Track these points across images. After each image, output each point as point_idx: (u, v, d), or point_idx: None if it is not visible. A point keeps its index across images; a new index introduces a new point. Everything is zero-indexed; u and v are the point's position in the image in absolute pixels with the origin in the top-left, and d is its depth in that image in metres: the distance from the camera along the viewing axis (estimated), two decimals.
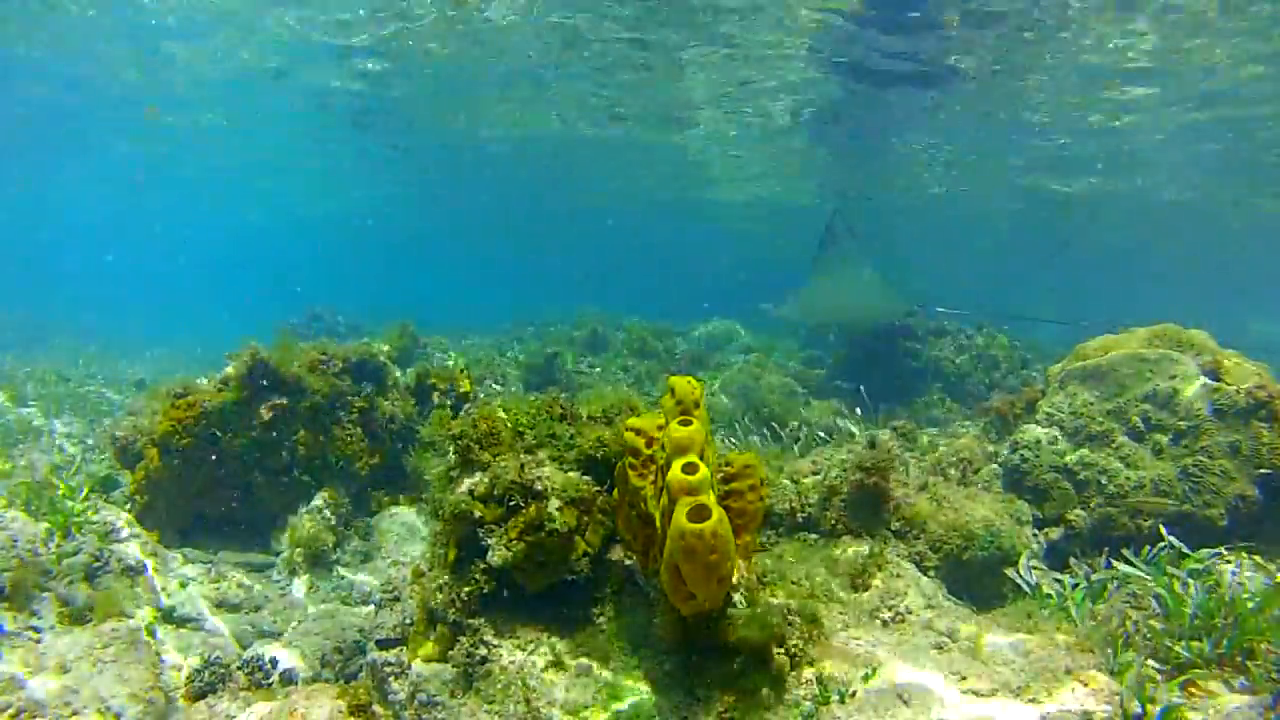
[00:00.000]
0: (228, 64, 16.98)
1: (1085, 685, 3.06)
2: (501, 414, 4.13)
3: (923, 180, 25.07)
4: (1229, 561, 4.66)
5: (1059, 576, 5.02)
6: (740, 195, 30.40)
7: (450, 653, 3.79)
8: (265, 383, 6.82)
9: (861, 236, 12.26)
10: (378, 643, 4.57)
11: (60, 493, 5.99)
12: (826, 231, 12.16)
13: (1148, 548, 4.88)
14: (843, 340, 14.34)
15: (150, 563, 5.74)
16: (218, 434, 6.61)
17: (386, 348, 8.64)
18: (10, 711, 3.60)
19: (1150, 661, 3.51)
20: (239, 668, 4.75)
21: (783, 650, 3.23)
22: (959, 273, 49.20)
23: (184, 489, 6.63)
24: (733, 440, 9.52)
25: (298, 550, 6.51)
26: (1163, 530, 5.10)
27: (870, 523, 4.80)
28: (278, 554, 6.66)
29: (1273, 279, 38.42)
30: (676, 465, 2.96)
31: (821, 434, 8.76)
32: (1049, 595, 4.46)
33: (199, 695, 4.47)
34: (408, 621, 4.49)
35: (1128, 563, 4.64)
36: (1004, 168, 22.48)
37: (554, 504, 3.67)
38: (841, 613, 3.70)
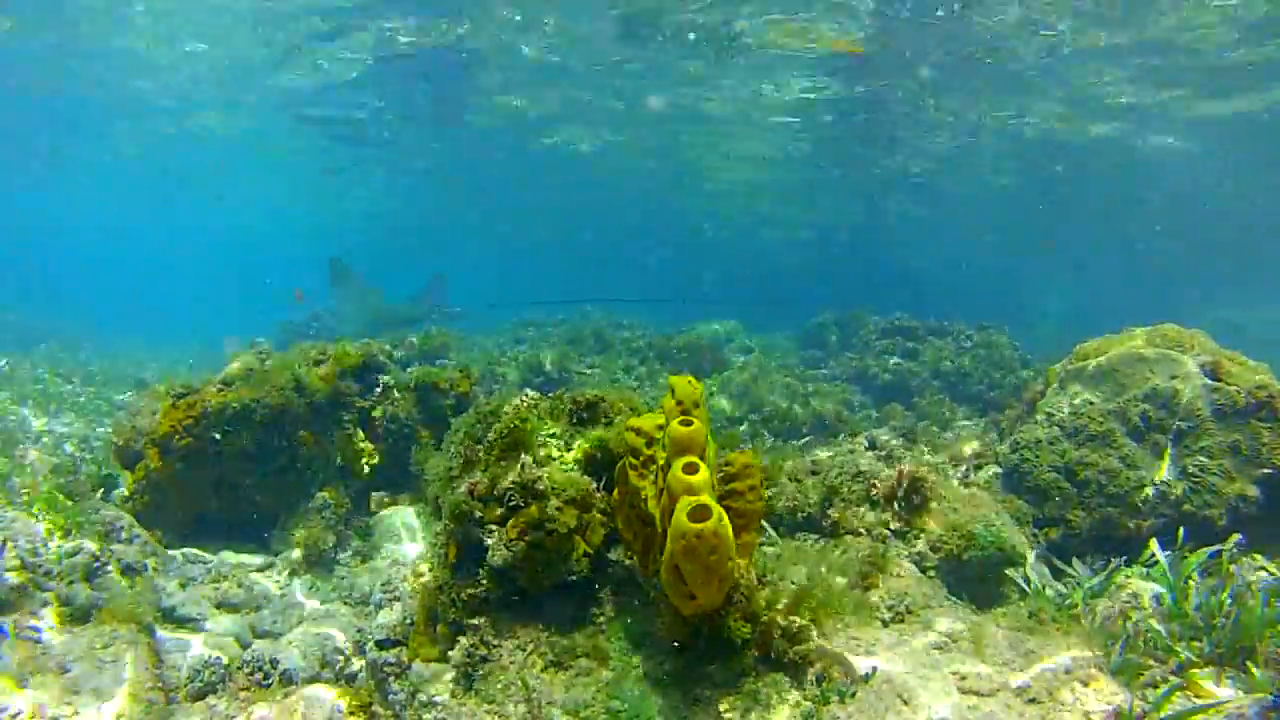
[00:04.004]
0: (235, 60, 17.02)
1: (1086, 685, 3.06)
2: (529, 423, 4.10)
3: None
4: (1232, 561, 4.66)
5: (1061, 565, 5.03)
6: None
7: (450, 653, 3.79)
8: (265, 381, 6.81)
9: (356, 273, 18.15)
10: (378, 643, 4.58)
11: (60, 493, 5.99)
12: (331, 270, 17.94)
13: (1152, 541, 4.88)
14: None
15: (150, 563, 5.74)
16: (218, 434, 6.61)
17: (387, 347, 8.64)
18: (10, 712, 3.60)
19: (1151, 661, 3.51)
20: (239, 668, 4.75)
21: (783, 650, 3.23)
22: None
23: (184, 489, 6.63)
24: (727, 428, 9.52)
25: (298, 550, 6.51)
26: (1180, 533, 5.09)
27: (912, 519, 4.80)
28: (278, 554, 6.65)
29: (1230, 268, 38.70)
30: (677, 465, 2.96)
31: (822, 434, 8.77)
32: (1049, 595, 4.46)
33: (199, 695, 4.47)
34: (408, 621, 4.49)
35: (1129, 563, 4.65)
36: None
37: (554, 504, 3.67)
38: (841, 613, 3.69)
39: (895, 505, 4.83)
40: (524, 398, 4.43)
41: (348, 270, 18.05)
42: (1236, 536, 4.78)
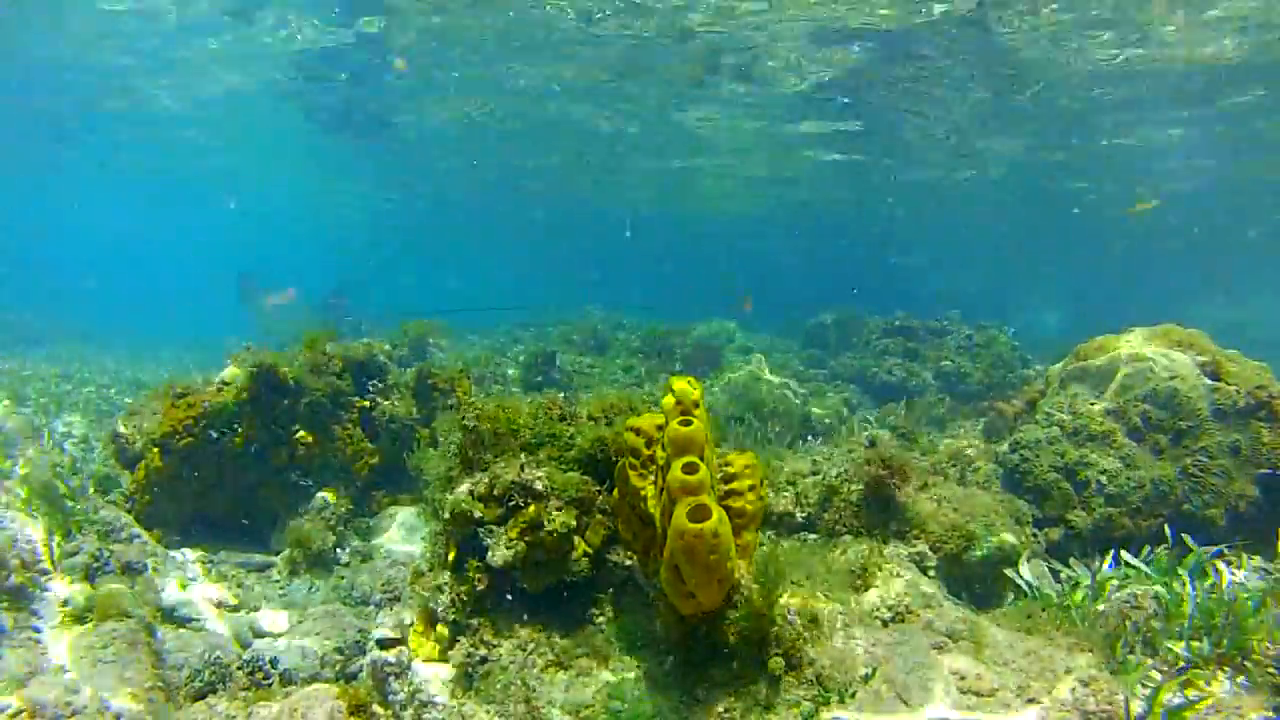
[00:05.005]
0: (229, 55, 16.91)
1: (1085, 685, 3.06)
2: (504, 415, 4.13)
3: None
4: (1231, 561, 4.66)
5: (1058, 568, 5.03)
6: None
7: (450, 653, 3.79)
8: (265, 381, 6.82)
9: (265, 288, 20.04)
10: (378, 643, 4.57)
11: (60, 493, 5.98)
12: (240, 285, 19.99)
13: (1148, 547, 4.88)
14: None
15: (150, 563, 5.74)
16: (218, 434, 6.61)
17: (387, 347, 8.64)
18: (10, 712, 3.60)
19: (1150, 661, 3.51)
20: (239, 668, 4.74)
21: (782, 650, 3.23)
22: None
23: (184, 489, 6.63)
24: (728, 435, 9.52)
25: (298, 550, 6.51)
26: (1167, 531, 5.11)
27: (879, 521, 4.80)
28: (278, 554, 6.65)
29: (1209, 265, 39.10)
30: (676, 465, 2.96)
31: (822, 434, 8.76)
32: (1049, 595, 4.46)
33: (199, 695, 4.46)
34: (408, 621, 4.49)
35: (1128, 563, 4.64)
36: None
37: (554, 504, 3.67)
38: (841, 613, 3.70)
39: (866, 505, 4.83)
40: (498, 398, 4.45)
41: (257, 285, 19.95)
42: (1188, 539, 4.78)
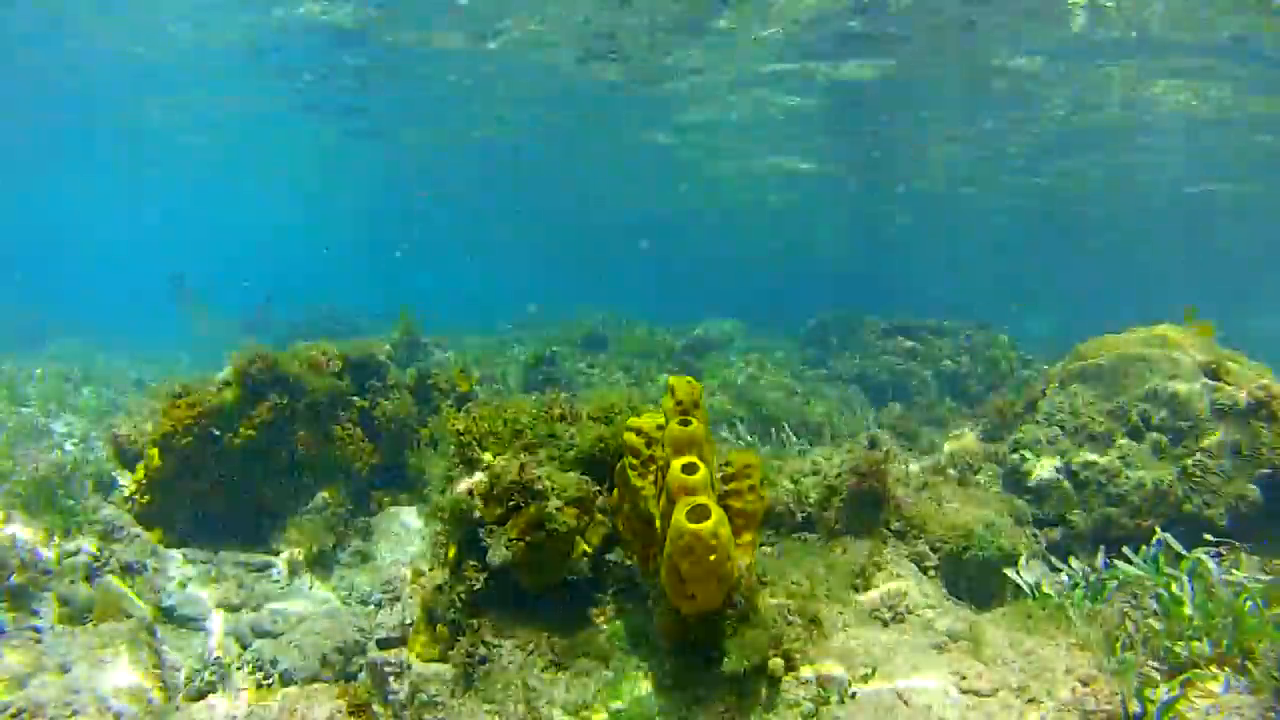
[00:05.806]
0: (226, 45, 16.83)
1: (1085, 685, 3.06)
2: (501, 413, 4.13)
3: None
4: (1226, 560, 4.65)
5: (1058, 565, 5.02)
6: None
7: (450, 653, 3.79)
8: (264, 380, 6.82)
9: (188, 282, 21.40)
10: (378, 643, 4.58)
11: (60, 493, 5.99)
12: (170, 282, 21.26)
13: (1145, 547, 4.87)
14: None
15: (150, 563, 5.74)
16: (218, 434, 6.61)
17: (387, 347, 8.65)
18: (10, 711, 3.60)
19: (1150, 661, 3.51)
20: (239, 668, 4.75)
21: (782, 650, 3.23)
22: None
23: (184, 489, 6.62)
24: (727, 435, 9.52)
25: (298, 550, 6.51)
26: (1158, 532, 5.09)
27: (869, 524, 4.80)
28: (278, 553, 6.66)
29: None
30: (676, 465, 2.96)
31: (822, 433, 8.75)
32: (1049, 595, 4.46)
33: (199, 695, 4.47)
34: (408, 621, 4.49)
35: (1127, 562, 4.64)
36: None
37: (554, 504, 3.67)
38: (841, 613, 3.70)
39: (858, 505, 4.82)
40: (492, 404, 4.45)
41: (185, 287, 20.86)
42: (1172, 540, 4.75)
